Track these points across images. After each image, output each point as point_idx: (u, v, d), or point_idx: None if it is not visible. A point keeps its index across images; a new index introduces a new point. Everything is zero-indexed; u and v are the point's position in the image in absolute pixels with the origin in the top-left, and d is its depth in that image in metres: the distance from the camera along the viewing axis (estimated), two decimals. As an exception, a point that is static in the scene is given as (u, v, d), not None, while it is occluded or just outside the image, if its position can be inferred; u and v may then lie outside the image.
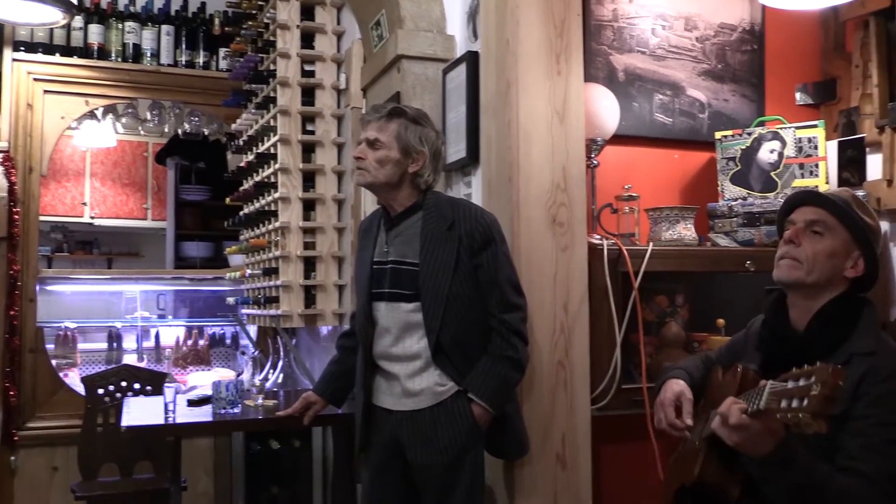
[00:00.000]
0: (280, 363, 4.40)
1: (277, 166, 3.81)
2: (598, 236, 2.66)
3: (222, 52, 5.00)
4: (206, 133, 5.56)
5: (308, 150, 3.88)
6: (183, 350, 5.18)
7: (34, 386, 4.46)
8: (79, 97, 4.71)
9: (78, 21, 4.67)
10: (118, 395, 4.10)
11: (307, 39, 3.89)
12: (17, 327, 4.36)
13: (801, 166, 2.87)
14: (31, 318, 4.48)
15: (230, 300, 4.48)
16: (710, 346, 2.64)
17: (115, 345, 5.13)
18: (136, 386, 4.17)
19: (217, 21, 5.07)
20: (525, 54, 2.49)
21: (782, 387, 1.50)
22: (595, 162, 2.78)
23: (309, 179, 3.87)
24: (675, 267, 2.68)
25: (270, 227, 3.92)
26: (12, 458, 4.35)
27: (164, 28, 4.94)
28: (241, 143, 4.37)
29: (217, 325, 5.43)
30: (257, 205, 4.15)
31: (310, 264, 3.85)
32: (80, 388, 4.28)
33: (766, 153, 2.92)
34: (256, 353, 4.68)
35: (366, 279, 2.40)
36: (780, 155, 2.90)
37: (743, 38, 3.12)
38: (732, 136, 2.98)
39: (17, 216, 4.39)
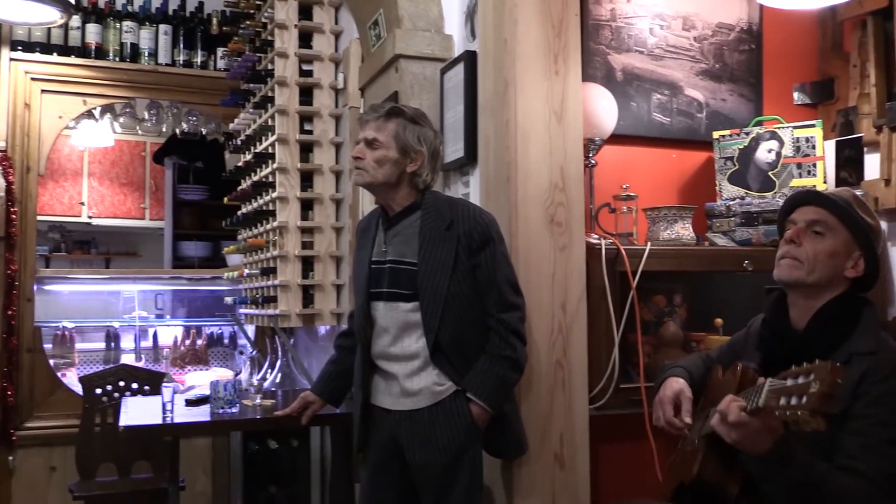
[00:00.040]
0: (278, 363, 4.39)
1: (275, 166, 3.80)
2: (597, 236, 2.66)
3: (220, 51, 5.00)
4: (204, 133, 5.56)
5: (306, 149, 3.88)
6: (181, 350, 5.18)
7: (32, 386, 4.46)
8: (76, 97, 4.71)
9: (75, 20, 4.67)
10: (116, 394, 4.10)
11: (305, 39, 3.89)
12: (14, 327, 4.36)
13: (799, 166, 2.88)
14: (28, 317, 4.48)
15: (228, 300, 4.48)
16: (708, 346, 2.64)
17: (112, 344, 5.13)
18: (134, 386, 4.17)
19: (215, 20, 5.07)
20: (523, 54, 2.49)
21: (781, 384, 1.50)
22: (593, 162, 2.78)
23: (307, 179, 3.87)
24: (673, 266, 2.68)
25: (268, 226, 3.92)
26: (10, 458, 4.35)
27: (162, 27, 4.94)
28: (239, 142, 4.37)
29: (215, 325, 5.43)
30: (255, 204, 4.15)
31: (308, 264, 3.85)
32: (78, 388, 4.28)
33: (764, 153, 2.92)
34: (254, 352, 4.68)
35: (364, 279, 2.40)
36: (778, 154, 2.90)
37: (741, 38, 3.13)
38: (730, 135, 2.99)
39: (14, 216, 4.38)
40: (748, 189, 2.94)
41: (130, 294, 5.27)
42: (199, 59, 5.00)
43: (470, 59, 2.76)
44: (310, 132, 3.88)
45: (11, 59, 4.50)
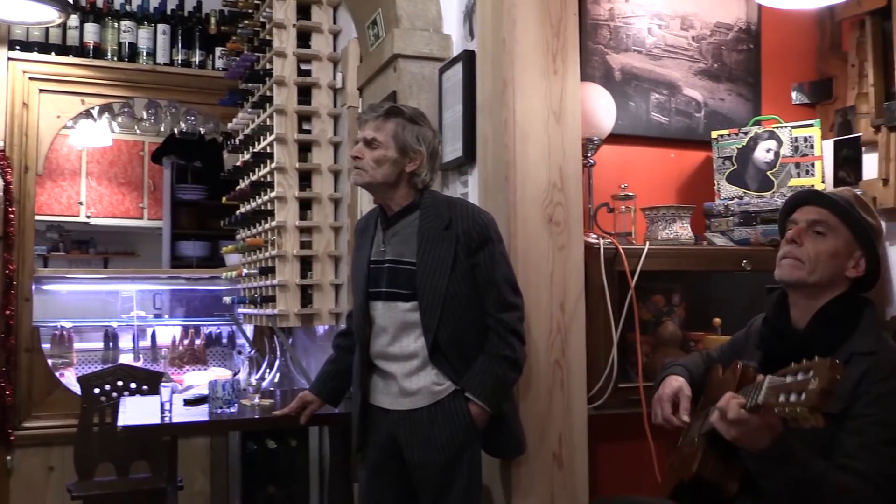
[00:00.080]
0: (276, 362, 4.39)
1: (274, 165, 3.80)
2: (595, 235, 2.66)
3: (218, 51, 5.00)
4: (203, 132, 5.55)
5: (304, 149, 3.88)
6: (179, 349, 5.18)
7: (30, 385, 4.46)
8: (75, 96, 4.71)
9: (74, 20, 4.66)
10: (114, 394, 4.10)
11: (303, 38, 3.89)
12: (13, 327, 4.35)
13: (798, 165, 2.88)
14: (27, 317, 4.47)
15: (227, 299, 4.48)
16: (706, 345, 2.65)
17: (111, 344, 5.13)
18: (133, 385, 4.17)
19: (213, 20, 5.07)
20: (521, 53, 2.49)
21: (781, 381, 1.50)
22: (591, 161, 2.79)
23: (305, 179, 3.87)
24: (672, 266, 2.68)
25: (267, 226, 3.92)
26: (8, 457, 4.35)
27: (161, 27, 4.93)
28: (238, 142, 4.37)
29: (213, 325, 5.43)
30: (253, 204, 4.15)
31: (306, 263, 3.85)
32: (77, 388, 4.27)
33: (763, 152, 2.92)
34: (253, 352, 4.67)
35: (363, 278, 2.40)
36: (777, 154, 2.90)
37: (739, 38, 3.13)
38: (729, 135, 2.99)
39: (13, 215, 4.38)
40: (746, 189, 2.94)
41: (129, 294, 5.27)
42: (197, 59, 4.99)
43: (468, 58, 2.76)
44: (308, 132, 3.88)
45: (9, 59, 4.49)
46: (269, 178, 3.92)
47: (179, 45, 4.97)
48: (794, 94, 3.19)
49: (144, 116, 5.41)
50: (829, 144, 2.93)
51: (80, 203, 6.51)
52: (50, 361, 4.66)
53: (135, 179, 6.70)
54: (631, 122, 2.97)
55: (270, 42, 3.86)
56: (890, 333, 1.97)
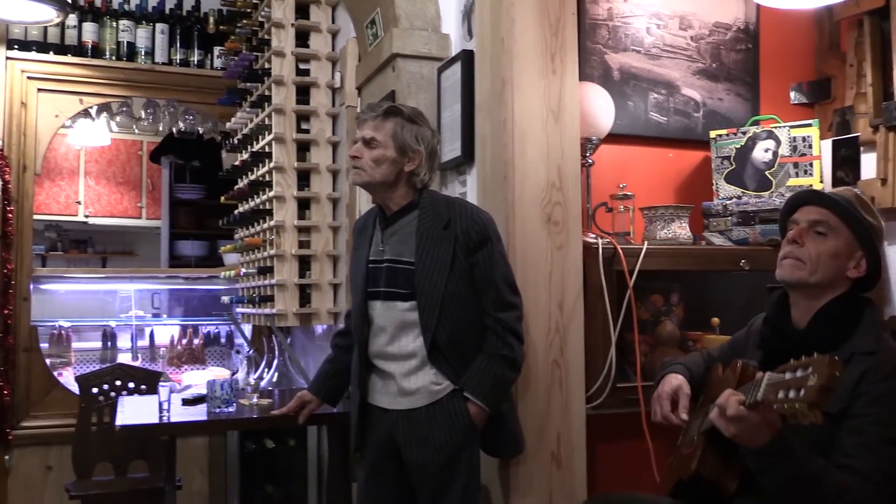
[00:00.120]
0: (275, 362, 4.38)
1: (272, 165, 3.80)
2: (594, 235, 2.66)
3: (217, 50, 4.99)
4: (201, 131, 5.54)
5: (303, 148, 3.87)
6: (177, 349, 5.17)
7: (28, 385, 4.45)
8: (73, 95, 4.70)
9: (72, 19, 4.66)
10: (112, 394, 4.09)
11: (302, 38, 3.89)
12: (11, 326, 4.35)
13: (796, 165, 2.88)
14: (25, 316, 4.47)
15: (225, 299, 4.47)
16: (704, 345, 2.65)
17: (109, 344, 5.11)
18: (131, 385, 4.16)
19: (212, 19, 5.06)
20: (520, 53, 2.49)
21: (780, 378, 1.50)
22: (590, 161, 2.79)
23: (304, 178, 3.87)
24: (670, 266, 2.69)
25: (265, 225, 3.92)
26: (6, 457, 4.34)
27: (159, 26, 4.93)
28: (236, 141, 4.37)
29: (212, 324, 5.42)
30: (252, 203, 4.15)
31: (305, 263, 3.85)
32: (75, 388, 4.27)
33: (761, 152, 2.92)
34: (251, 351, 4.66)
35: (361, 278, 2.40)
36: (775, 154, 2.91)
37: (737, 38, 3.13)
38: (727, 135, 2.99)
39: (11, 215, 4.37)
40: (745, 188, 2.94)
41: (127, 293, 5.26)
42: (195, 58, 4.99)
43: (467, 58, 2.76)
44: (307, 131, 3.88)
45: (8, 58, 4.49)
46: (267, 178, 3.91)
47: (178, 45, 4.97)
48: (792, 94, 3.19)
49: (143, 116, 5.41)
50: (827, 144, 2.93)
51: (79, 202, 6.51)
52: (48, 361, 4.65)
53: (133, 179, 6.69)
54: (629, 121, 2.97)
55: (269, 41, 3.86)
56: (889, 333, 1.97)
